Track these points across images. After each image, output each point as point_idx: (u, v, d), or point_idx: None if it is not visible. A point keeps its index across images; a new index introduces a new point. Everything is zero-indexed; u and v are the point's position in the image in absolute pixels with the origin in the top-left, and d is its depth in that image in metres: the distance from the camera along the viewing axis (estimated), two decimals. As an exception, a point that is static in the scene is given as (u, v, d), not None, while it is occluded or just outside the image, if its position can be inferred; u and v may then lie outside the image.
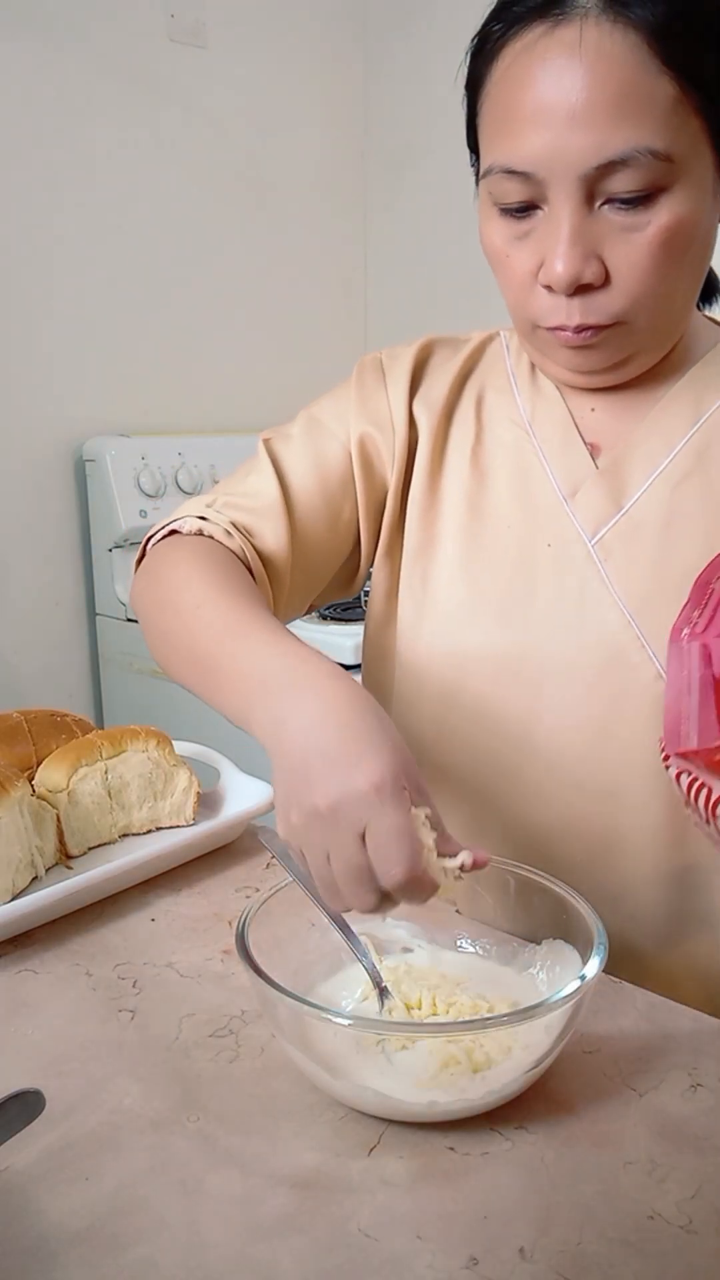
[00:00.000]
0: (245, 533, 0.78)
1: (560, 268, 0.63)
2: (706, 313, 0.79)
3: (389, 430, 0.81)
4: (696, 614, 0.60)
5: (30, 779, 0.78)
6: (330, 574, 0.85)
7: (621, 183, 0.61)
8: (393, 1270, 0.43)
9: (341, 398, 0.84)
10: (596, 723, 0.73)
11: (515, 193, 0.65)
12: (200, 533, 0.79)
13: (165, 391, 2.08)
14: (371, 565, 0.85)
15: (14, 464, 1.88)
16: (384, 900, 0.52)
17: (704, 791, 0.54)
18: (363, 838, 0.51)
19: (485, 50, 0.66)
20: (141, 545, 0.82)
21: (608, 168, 0.61)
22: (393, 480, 0.81)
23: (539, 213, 0.65)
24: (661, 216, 0.62)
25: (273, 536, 0.79)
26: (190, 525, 0.79)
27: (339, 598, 0.89)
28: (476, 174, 0.72)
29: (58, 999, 0.62)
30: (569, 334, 0.67)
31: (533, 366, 0.80)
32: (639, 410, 0.75)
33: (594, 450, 0.76)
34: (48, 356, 1.89)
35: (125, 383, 2.01)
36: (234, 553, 0.77)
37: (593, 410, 0.77)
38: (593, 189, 0.62)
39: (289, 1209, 0.46)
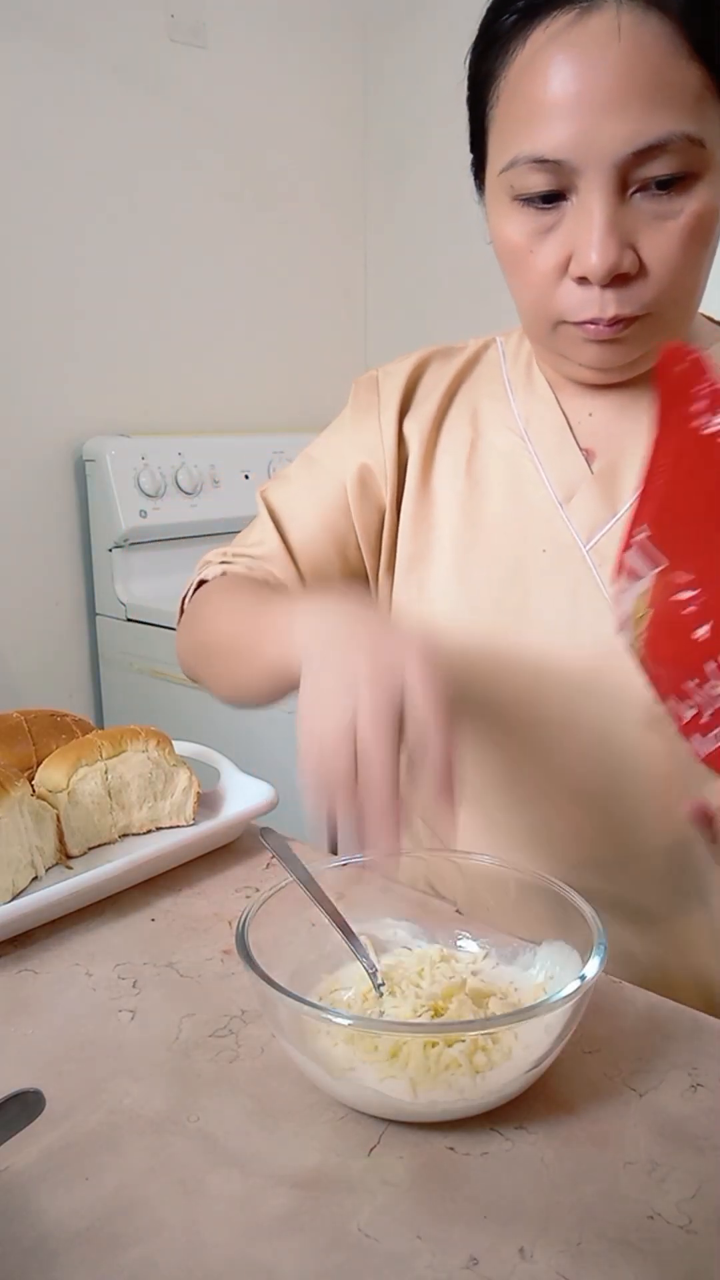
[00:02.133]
0: (265, 573, 0.83)
1: (596, 258, 0.62)
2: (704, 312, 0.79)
3: (380, 454, 0.82)
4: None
5: (30, 779, 0.78)
6: None
7: (655, 169, 0.61)
8: (393, 1270, 0.43)
9: (337, 431, 0.86)
10: (593, 726, 0.73)
11: (542, 183, 0.63)
12: (225, 574, 0.84)
13: (165, 391, 2.08)
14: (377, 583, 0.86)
15: (14, 464, 1.88)
16: (391, 768, 0.53)
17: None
18: (398, 712, 0.53)
19: (497, 44, 0.64)
20: (179, 608, 0.88)
21: (643, 154, 0.60)
22: (388, 499, 0.82)
23: (565, 204, 0.64)
24: (693, 204, 0.62)
25: (283, 577, 0.83)
26: (214, 571, 0.85)
27: None
28: (478, 175, 0.71)
29: (58, 999, 0.62)
30: (600, 327, 0.66)
31: (529, 371, 0.80)
32: (635, 414, 0.75)
33: (589, 455, 0.76)
34: (48, 356, 1.89)
35: (125, 383, 2.01)
36: (261, 580, 0.82)
37: (590, 415, 0.76)
38: (626, 176, 0.61)
39: (289, 1209, 0.46)
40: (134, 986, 0.63)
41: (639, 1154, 0.49)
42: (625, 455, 0.74)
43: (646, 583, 0.53)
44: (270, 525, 0.85)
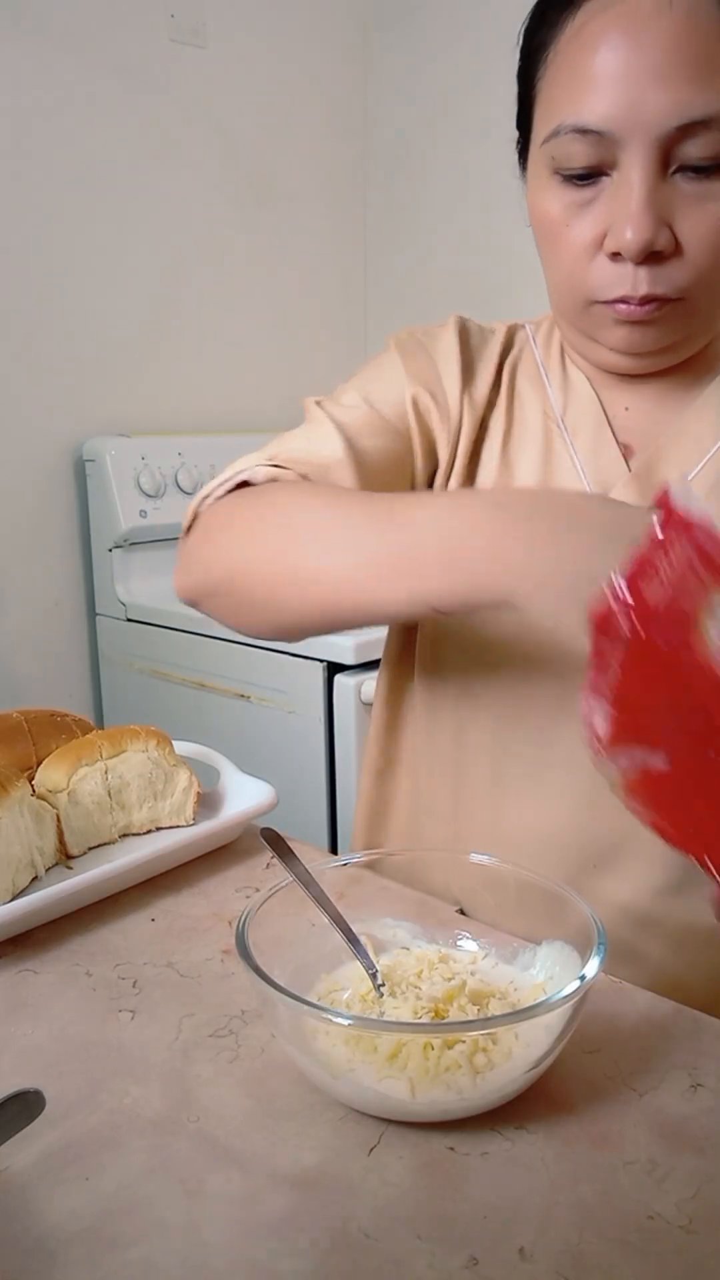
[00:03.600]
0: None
1: (631, 234, 0.61)
2: None
3: (443, 406, 0.76)
4: None
5: (30, 779, 0.78)
6: None
7: (699, 148, 0.60)
8: (393, 1270, 0.43)
9: (385, 367, 0.78)
10: None
11: (583, 156, 0.62)
12: (275, 480, 0.71)
13: (165, 391, 2.08)
14: None
15: (14, 464, 1.88)
16: None
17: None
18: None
19: (552, 13, 0.64)
20: (191, 510, 0.74)
21: (687, 129, 0.59)
22: (443, 457, 0.77)
23: (605, 179, 0.63)
24: None
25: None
26: (263, 474, 0.71)
27: None
28: (522, 152, 0.70)
29: (58, 999, 0.62)
30: (632, 306, 0.65)
31: (563, 361, 0.78)
32: (673, 411, 0.73)
33: (627, 451, 0.74)
34: (48, 356, 1.89)
35: (125, 383, 2.01)
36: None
37: (626, 409, 0.75)
38: (668, 153, 0.61)
39: (289, 1209, 0.46)
40: (134, 986, 0.63)
41: (639, 1154, 0.49)
42: (663, 454, 0.73)
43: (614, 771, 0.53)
44: (335, 434, 0.72)
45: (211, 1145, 0.50)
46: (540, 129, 0.66)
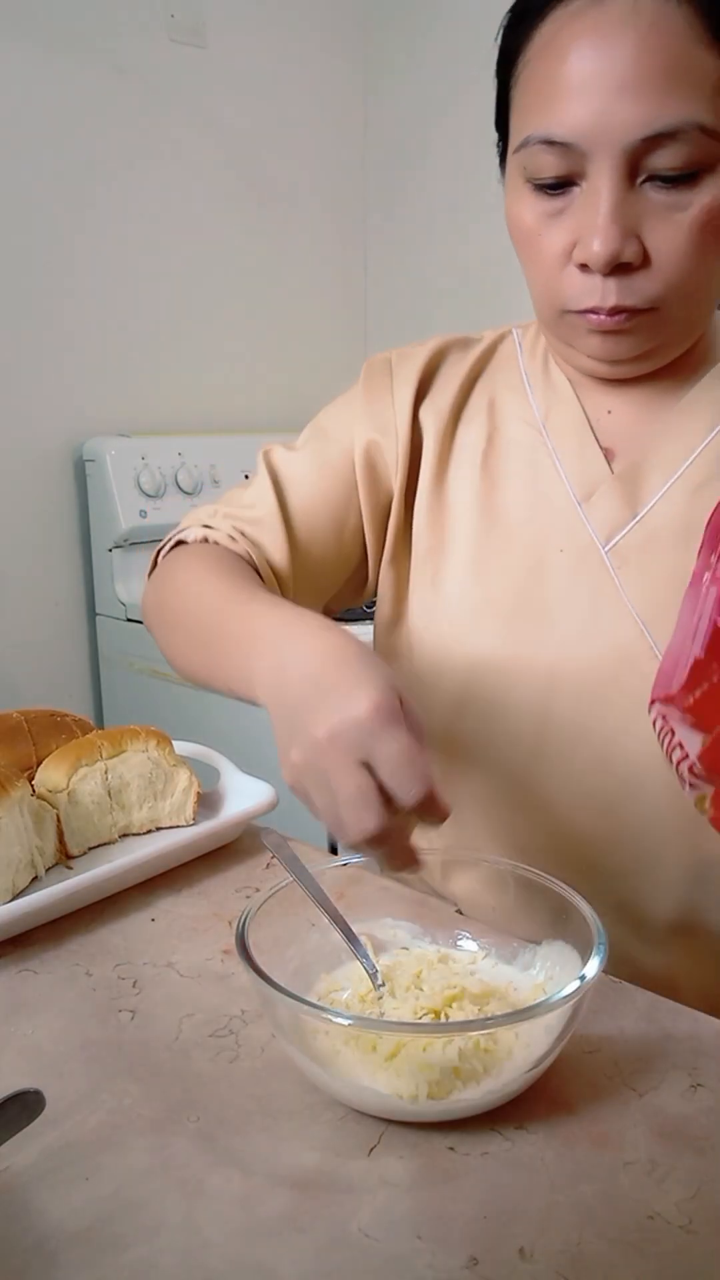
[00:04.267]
0: (250, 541, 0.79)
1: (598, 245, 0.61)
2: None
3: (392, 436, 0.80)
4: (714, 558, 0.56)
5: (30, 779, 0.78)
6: (337, 584, 0.84)
7: (667, 158, 0.59)
8: (393, 1270, 0.43)
9: (347, 404, 0.83)
10: (606, 733, 0.71)
11: (552, 166, 0.62)
12: (206, 540, 0.80)
13: (165, 391, 2.08)
14: (379, 572, 0.84)
15: (14, 464, 1.88)
16: (386, 828, 0.52)
17: (677, 749, 0.53)
18: (365, 765, 0.51)
19: (524, 21, 0.64)
20: (152, 560, 0.84)
21: (654, 141, 0.59)
22: (396, 486, 0.80)
23: (575, 189, 0.63)
24: (705, 197, 0.60)
25: (272, 546, 0.79)
26: (196, 534, 0.81)
27: (349, 605, 0.89)
28: (502, 155, 0.70)
29: (58, 999, 0.62)
30: (601, 317, 0.65)
31: (546, 365, 0.78)
32: (657, 413, 0.73)
33: (609, 454, 0.74)
34: (48, 356, 1.89)
35: (125, 383, 2.01)
36: (240, 555, 0.77)
37: (609, 413, 0.75)
38: (636, 164, 0.60)
39: (289, 1209, 0.46)
40: (134, 986, 0.63)
41: (639, 1154, 0.49)
42: (647, 457, 0.72)
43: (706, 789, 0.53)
44: (269, 486, 0.81)
45: (211, 1145, 0.50)
46: (513, 137, 0.66)
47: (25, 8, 1.76)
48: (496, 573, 0.75)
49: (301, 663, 0.56)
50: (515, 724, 0.74)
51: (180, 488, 1.94)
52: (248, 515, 0.80)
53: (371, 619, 0.87)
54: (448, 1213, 0.45)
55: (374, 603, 0.86)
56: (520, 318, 0.84)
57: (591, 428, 0.75)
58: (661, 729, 0.55)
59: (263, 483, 0.82)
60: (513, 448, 0.77)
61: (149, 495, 1.90)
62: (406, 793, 0.51)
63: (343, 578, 0.84)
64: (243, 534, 0.79)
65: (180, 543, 0.82)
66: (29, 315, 1.85)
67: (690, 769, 0.53)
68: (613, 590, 0.71)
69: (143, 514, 1.89)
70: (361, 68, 2.34)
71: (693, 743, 0.53)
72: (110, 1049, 0.57)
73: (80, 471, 1.94)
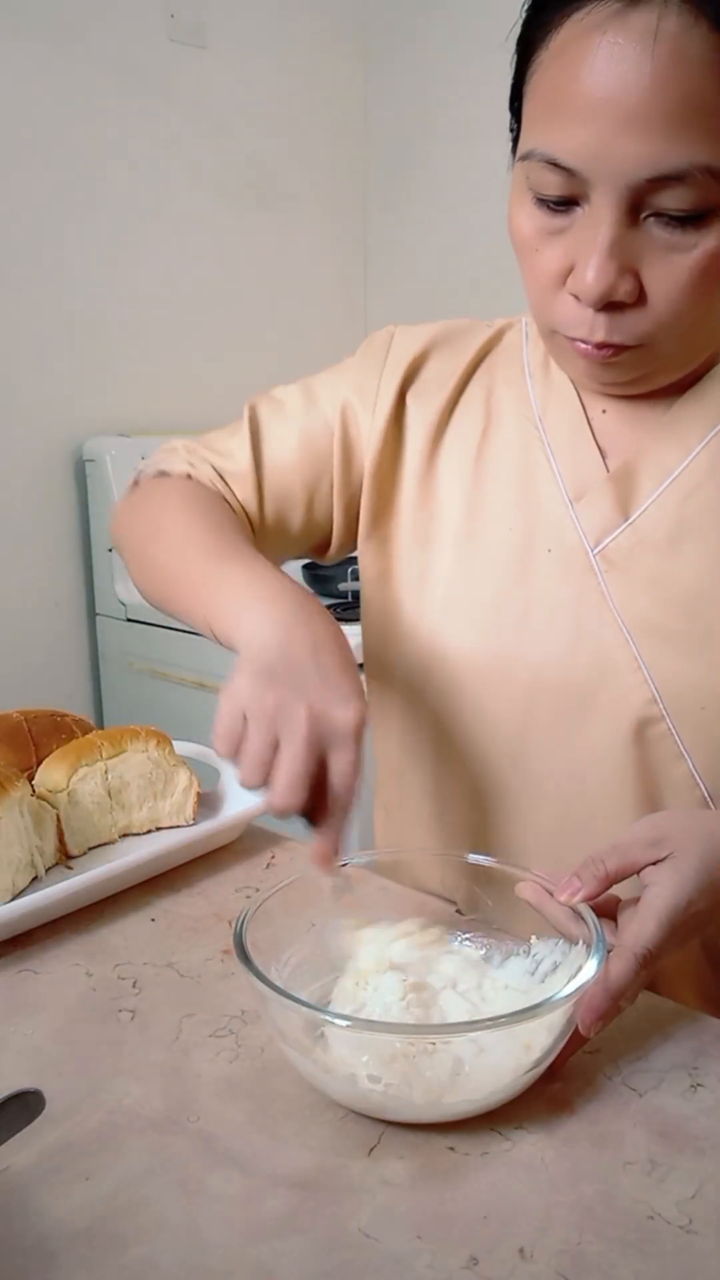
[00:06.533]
0: (226, 488, 0.82)
1: (591, 278, 0.59)
2: None
3: (369, 410, 0.80)
4: None
5: (30, 779, 0.78)
6: (298, 549, 0.87)
7: (673, 199, 0.56)
8: (393, 1270, 0.43)
9: (340, 373, 0.84)
10: (583, 746, 0.71)
11: (556, 186, 0.59)
12: (189, 476, 0.82)
13: (165, 391, 2.09)
14: (349, 546, 0.85)
15: (14, 464, 1.88)
16: (295, 811, 0.59)
17: None
18: (318, 755, 0.58)
19: (545, 13, 0.59)
20: (132, 481, 0.85)
21: (660, 182, 0.56)
22: (369, 462, 0.80)
23: (578, 210, 0.60)
24: (709, 240, 0.58)
25: (243, 500, 0.81)
26: (180, 468, 0.83)
27: (313, 559, 0.91)
28: (514, 141, 0.66)
29: (58, 999, 0.62)
30: (589, 348, 0.63)
31: (547, 359, 0.77)
32: (655, 414, 0.72)
33: (605, 454, 0.73)
34: (48, 356, 1.89)
35: (125, 383, 2.02)
36: (224, 498, 0.80)
37: (604, 412, 0.74)
38: (640, 200, 0.57)
39: (289, 1209, 0.46)
40: (134, 986, 0.63)
41: (639, 1154, 0.49)
42: (641, 459, 0.71)
43: None
44: (247, 440, 0.82)
45: (211, 1145, 0.50)
46: (522, 140, 0.63)
47: (26, 7, 1.76)
48: (482, 568, 0.74)
49: (307, 634, 0.61)
50: (500, 724, 0.74)
51: (180, 488, 1.94)
52: (225, 465, 0.82)
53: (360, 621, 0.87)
54: (448, 1213, 0.45)
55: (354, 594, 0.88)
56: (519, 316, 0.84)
57: (590, 425, 0.74)
58: None
59: (241, 436, 0.83)
60: (507, 442, 0.76)
61: (149, 495, 1.90)
62: (343, 797, 0.58)
63: (306, 545, 0.86)
64: (220, 478, 0.82)
65: (162, 473, 0.83)
66: (29, 315, 1.85)
67: None
68: (598, 595, 0.70)
69: (143, 514, 1.89)
70: (361, 68, 2.34)
71: None
72: (110, 1049, 0.57)
73: (80, 471, 1.95)
